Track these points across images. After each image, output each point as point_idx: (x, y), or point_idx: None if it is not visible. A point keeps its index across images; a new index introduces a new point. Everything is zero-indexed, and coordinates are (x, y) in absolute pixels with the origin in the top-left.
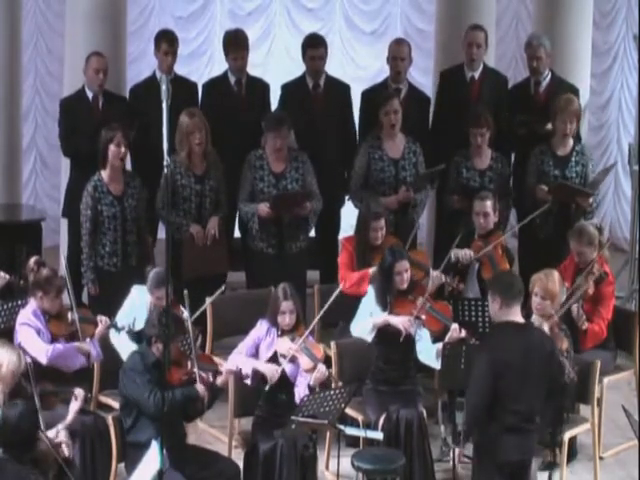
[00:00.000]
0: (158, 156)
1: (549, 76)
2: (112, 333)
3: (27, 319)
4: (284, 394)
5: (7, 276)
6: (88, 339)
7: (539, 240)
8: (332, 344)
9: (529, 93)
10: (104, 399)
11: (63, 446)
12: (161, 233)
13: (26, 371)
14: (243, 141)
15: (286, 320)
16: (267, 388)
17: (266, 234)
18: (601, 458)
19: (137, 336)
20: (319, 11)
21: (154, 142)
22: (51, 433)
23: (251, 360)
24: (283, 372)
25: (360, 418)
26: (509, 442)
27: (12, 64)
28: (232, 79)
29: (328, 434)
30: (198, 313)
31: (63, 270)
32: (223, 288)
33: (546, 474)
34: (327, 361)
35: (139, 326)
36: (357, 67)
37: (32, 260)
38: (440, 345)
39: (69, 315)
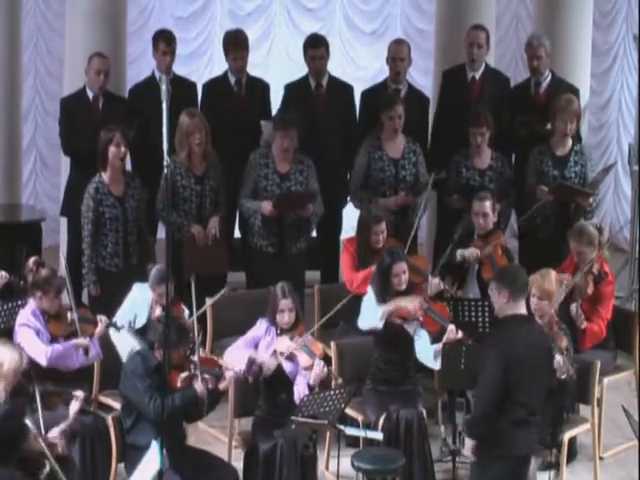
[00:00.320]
0: (158, 156)
1: (549, 76)
2: (112, 332)
3: (26, 320)
4: (284, 394)
5: (7, 276)
6: (88, 338)
7: (539, 240)
8: (332, 344)
9: (529, 93)
10: (104, 399)
11: (57, 445)
12: (161, 233)
13: (28, 370)
14: (243, 141)
15: (285, 318)
16: (261, 378)
17: (267, 232)
18: (601, 458)
19: (138, 333)
20: (319, 11)
21: (154, 142)
22: (50, 434)
23: (250, 350)
24: (283, 371)
25: (360, 418)
26: (519, 436)
27: (12, 64)
28: (232, 79)
29: (328, 434)
30: (198, 314)
31: (63, 270)
32: (224, 291)
33: (546, 474)
34: (327, 361)
35: (140, 323)
36: (357, 67)
37: (31, 260)
38: (438, 346)
39: (68, 315)
